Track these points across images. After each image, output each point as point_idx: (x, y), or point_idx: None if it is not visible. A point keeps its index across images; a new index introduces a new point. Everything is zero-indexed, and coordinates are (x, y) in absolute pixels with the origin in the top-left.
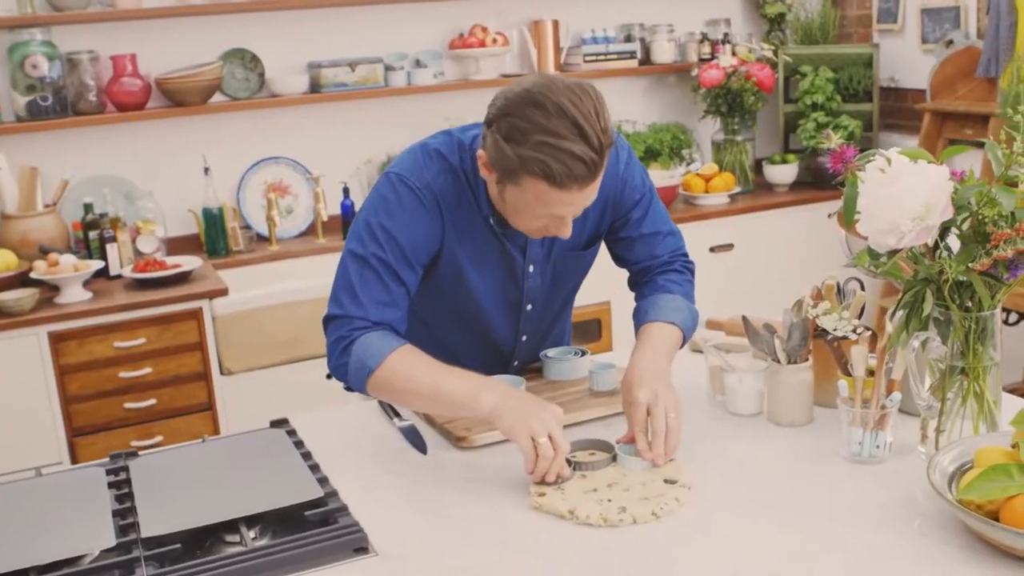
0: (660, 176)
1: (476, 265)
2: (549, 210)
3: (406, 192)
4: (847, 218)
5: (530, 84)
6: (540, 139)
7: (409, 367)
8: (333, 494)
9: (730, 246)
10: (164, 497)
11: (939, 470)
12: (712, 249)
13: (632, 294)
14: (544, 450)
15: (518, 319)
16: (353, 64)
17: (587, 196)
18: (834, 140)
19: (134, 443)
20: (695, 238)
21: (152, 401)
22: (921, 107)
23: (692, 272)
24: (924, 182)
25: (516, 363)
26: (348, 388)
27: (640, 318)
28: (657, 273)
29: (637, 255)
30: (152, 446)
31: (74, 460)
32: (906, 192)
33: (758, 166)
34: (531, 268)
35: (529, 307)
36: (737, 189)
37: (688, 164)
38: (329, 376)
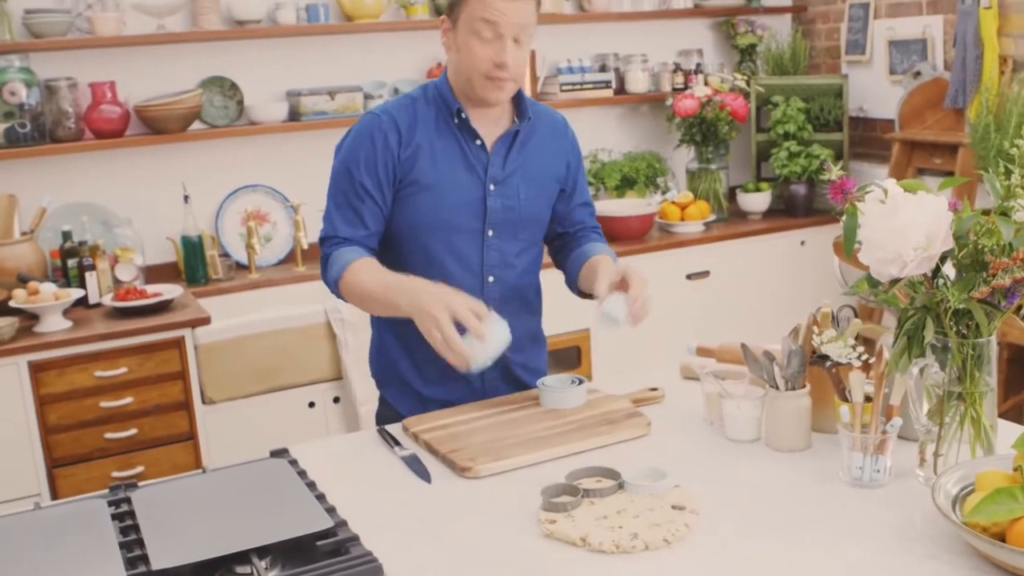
0: (636, 204)
1: (437, 171)
2: (486, 14)
3: (367, 119)
4: (846, 248)
5: None
6: None
7: (360, 276)
8: (343, 524)
9: (706, 273)
10: (170, 529)
11: (943, 493)
12: (688, 276)
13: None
14: (437, 344)
15: (481, 247)
16: (332, 92)
17: (519, 12)
18: (834, 172)
19: (115, 474)
20: (671, 265)
21: (133, 431)
22: (890, 137)
23: None
24: (925, 213)
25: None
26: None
27: (591, 252)
28: (590, 231)
29: (573, 221)
30: (133, 476)
31: (54, 491)
32: (908, 223)
33: (732, 194)
34: (492, 187)
35: (491, 232)
36: (712, 217)
37: (664, 192)
38: (312, 404)
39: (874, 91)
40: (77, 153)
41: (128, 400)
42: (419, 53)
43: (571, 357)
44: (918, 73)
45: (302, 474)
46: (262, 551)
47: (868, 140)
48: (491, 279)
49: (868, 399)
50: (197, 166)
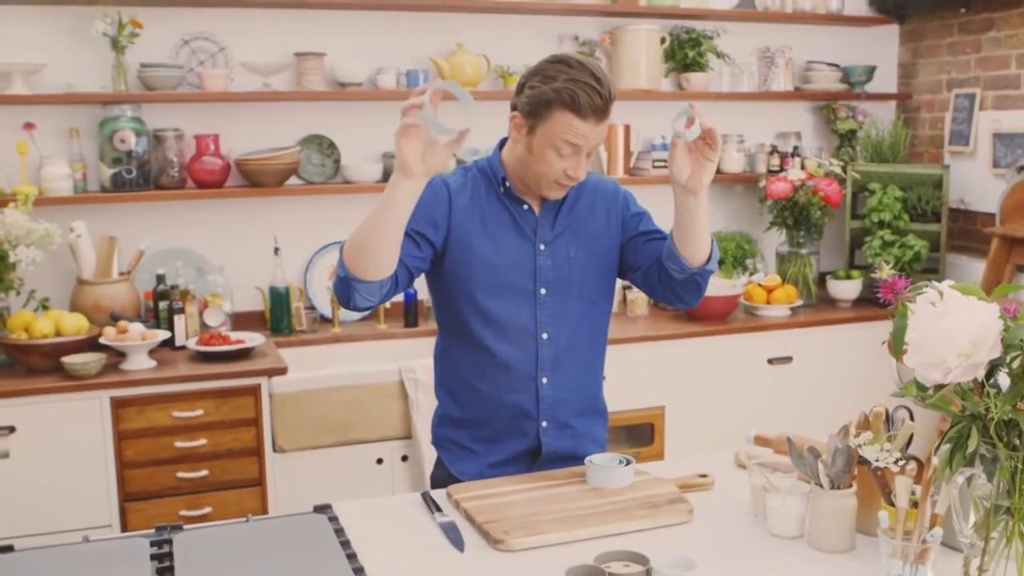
0: (721, 285)
1: (487, 233)
2: (570, 138)
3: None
4: (895, 349)
5: (550, 56)
6: (568, 77)
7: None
8: None
9: (789, 359)
10: (202, 575)
11: None
12: (770, 361)
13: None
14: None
15: (534, 306)
16: None
17: (598, 134)
18: (886, 271)
19: (183, 512)
20: (754, 349)
21: (204, 472)
22: (990, 231)
23: None
24: (973, 319)
25: (545, 380)
26: (347, 305)
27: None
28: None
29: (648, 254)
30: (200, 517)
31: (124, 524)
32: (955, 328)
33: (822, 280)
34: (541, 247)
35: (543, 291)
36: (799, 302)
37: (751, 274)
38: (380, 461)
39: (976, 183)
40: (178, 201)
41: (202, 442)
42: None
43: (644, 434)
44: (1022, 167)
45: (339, 532)
46: None
47: (967, 233)
48: (545, 336)
49: (915, 505)
50: (290, 220)
